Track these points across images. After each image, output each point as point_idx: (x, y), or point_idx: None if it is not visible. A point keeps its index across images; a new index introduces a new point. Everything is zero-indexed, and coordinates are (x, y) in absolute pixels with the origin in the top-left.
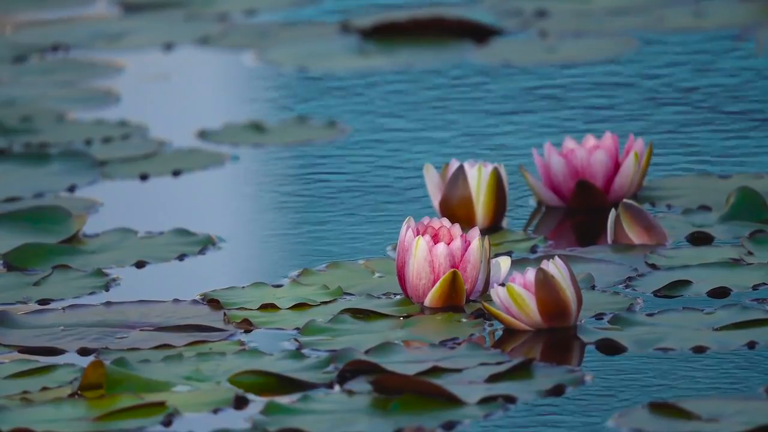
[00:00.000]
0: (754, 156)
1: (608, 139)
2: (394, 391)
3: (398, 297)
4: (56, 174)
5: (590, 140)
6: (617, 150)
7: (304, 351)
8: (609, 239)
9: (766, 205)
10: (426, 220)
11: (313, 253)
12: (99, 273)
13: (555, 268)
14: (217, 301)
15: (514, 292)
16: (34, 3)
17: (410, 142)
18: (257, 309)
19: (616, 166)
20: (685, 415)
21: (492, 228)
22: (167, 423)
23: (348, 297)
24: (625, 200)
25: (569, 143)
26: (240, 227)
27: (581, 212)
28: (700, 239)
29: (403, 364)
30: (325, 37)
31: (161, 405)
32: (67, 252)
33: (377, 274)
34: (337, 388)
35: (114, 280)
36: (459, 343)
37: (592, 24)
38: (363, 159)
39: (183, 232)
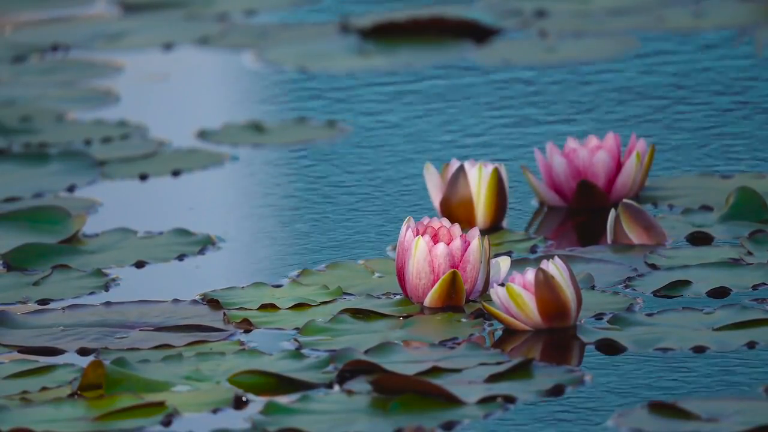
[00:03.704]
0: (755, 156)
1: (610, 139)
2: (393, 391)
3: (398, 297)
4: (56, 174)
5: (592, 140)
6: (619, 150)
7: (304, 351)
8: (609, 239)
9: (766, 205)
10: (426, 220)
11: (313, 253)
12: (99, 273)
13: (555, 268)
14: (217, 301)
15: (513, 292)
16: (34, 3)
17: (410, 142)
18: (257, 309)
19: (618, 166)
20: (685, 415)
21: (492, 228)
22: (167, 423)
23: (348, 297)
24: (624, 200)
25: (571, 143)
26: (240, 227)
27: (583, 212)
28: (699, 239)
29: (403, 364)
30: (325, 37)
31: (161, 405)
32: (66, 252)
33: (377, 274)
34: (336, 388)
35: (114, 280)
36: (459, 343)
37: (591, 24)
38: (363, 159)
39: (182, 232)
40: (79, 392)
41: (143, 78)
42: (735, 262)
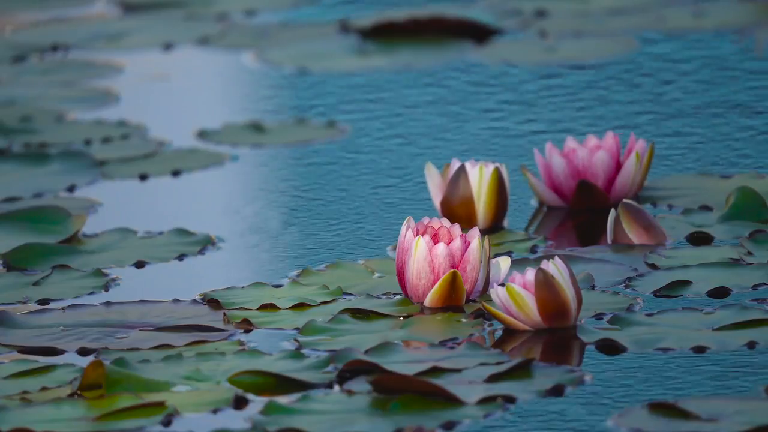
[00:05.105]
0: (755, 156)
1: (610, 139)
2: (393, 391)
3: (398, 297)
4: (56, 174)
5: (592, 140)
6: (619, 150)
7: (304, 351)
8: (609, 239)
9: (766, 205)
10: (426, 220)
11: (313, 253)
12: (99, 273)
13: (555, 268)
14: (217, 301)
15: (513, 292)
16: (34, 3)
17: (410, 142)
18: (257, 309)
19: (618, 166)
20: (685, 415)
21: (493, 228)
22: (167, 423)
23: (348, 297)
24: (624, 200)
25: (571, 143)
26: (240, 227)
27: (582, 212)
28: (699, 239)
29: (403, 364)
30: (325, 37)
31: (161, 405)
32: (66, 252)
33: (377, 274)
34: (336, 388)
35: (114, 280)
36: (459, 343)
37: (591, 24)
38: (363, 159)
39: (182, 232)
40: (79, 392)
41: (143, 78)
42: (735, 262)
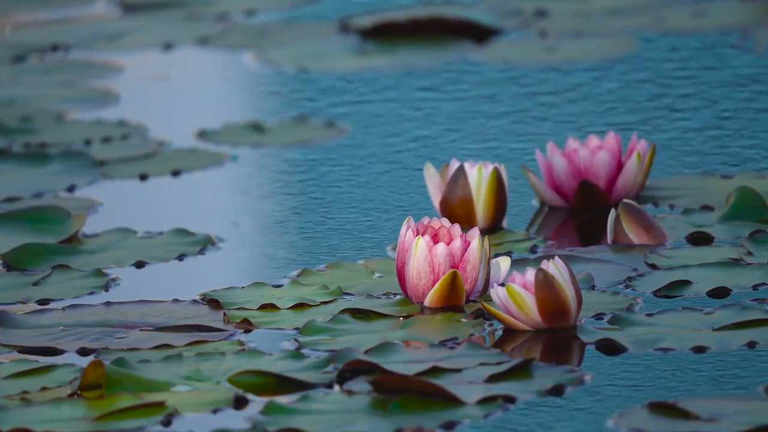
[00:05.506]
0: (756, 156)
1: (611, 139)
2: (393, 391)
3: (398, 297)
4: (56, 174)
5: (593, 140)
6: (620, 150)
7: (304, 351)
8: (609, 239)
9: (766, 205)
10: (426, 220)
11: (313, 253)
12: (98, 273)
13: (555, 268)
14: (217, 301)
15: (513, 292)
16: (34, 3)
17: (410, 141)
18: (257, 309)
19: (619, 166)
20: (685, 415)
21: (492, 228)
22: (167, 423)
23: (348, 297)
24: (624, 200)
25: (572, 143)
26: (240, 227)
27: (584, 212)
28: (699, 239)
29: (403, 364)
30: (325, 37)
31: (161, 405)
32: (66, 252)
33: (377, 274)
34: (336, 388)
35: (113, 280)
36: (459, 343)
37: (591, 24)
38: (362, 159)
39: (182, 232)
40: (79, 392)
41: (143, 78)
42: (735, 262)
